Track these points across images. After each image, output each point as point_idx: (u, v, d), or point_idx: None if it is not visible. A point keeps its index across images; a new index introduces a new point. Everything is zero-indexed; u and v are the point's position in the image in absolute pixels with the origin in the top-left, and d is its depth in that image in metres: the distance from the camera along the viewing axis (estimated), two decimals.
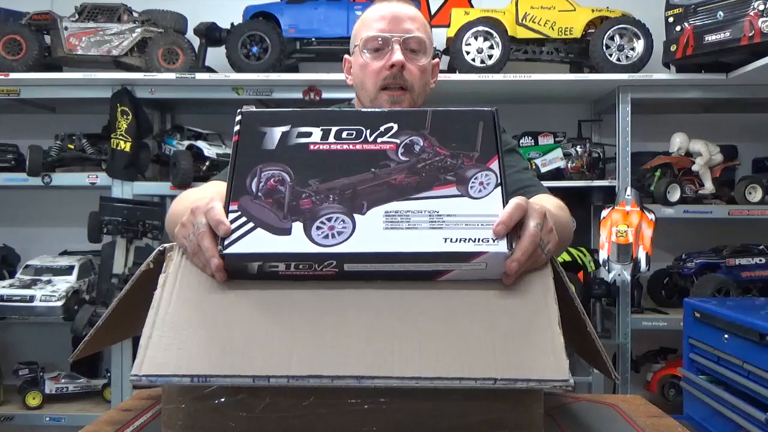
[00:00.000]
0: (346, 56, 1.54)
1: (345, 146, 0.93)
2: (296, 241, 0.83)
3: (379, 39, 1.41)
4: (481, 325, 0.81)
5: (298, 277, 0.85)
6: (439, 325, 0.81)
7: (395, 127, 0.94)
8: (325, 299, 0.84)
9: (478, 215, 0.86)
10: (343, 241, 0.83)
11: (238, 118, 0.95)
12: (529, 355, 0.78)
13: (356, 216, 0.85)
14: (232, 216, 0.86)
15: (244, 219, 0.85)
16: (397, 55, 1.38)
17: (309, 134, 0.94)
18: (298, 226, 0.84)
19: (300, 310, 0.83)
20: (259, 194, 0.88)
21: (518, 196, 0.88)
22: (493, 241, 0.83)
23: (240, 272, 0.85)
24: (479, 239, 0.83)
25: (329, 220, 0.85)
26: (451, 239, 0.83)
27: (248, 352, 0.78)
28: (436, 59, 1.53)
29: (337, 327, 0.81)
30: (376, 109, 1.04)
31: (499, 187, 0.89)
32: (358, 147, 0.93)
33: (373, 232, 0.84)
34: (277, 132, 0.94)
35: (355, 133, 0.94)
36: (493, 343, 0.79)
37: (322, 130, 0.94)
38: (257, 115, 0.96)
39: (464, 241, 0.83)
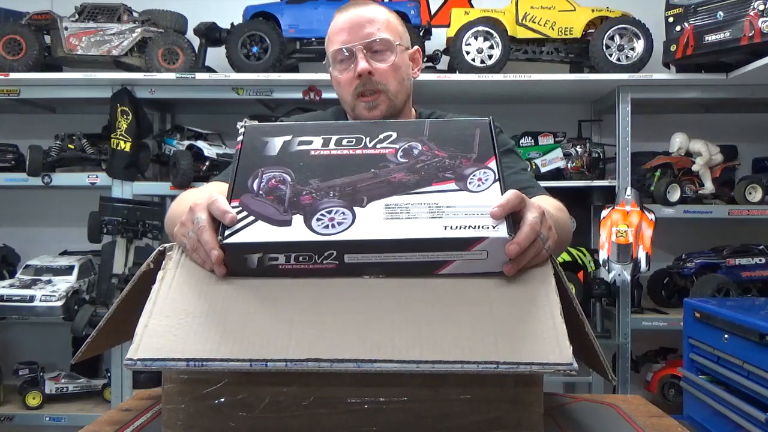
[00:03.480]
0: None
1: (345, 151, 0.95)
2: (296, 231, 0.84)
3: (343, 50, 1.40)
4: (482, 312, 0.81)
5: (298, 272, 0.85)
6: (440, 313, 0.81)
7: (394, 135, 0.97)
8: (323, 289, 0.84)
9: (477, 206, 0.86)
10: (343, 231, 0.84)
11: (241, 131, 0.98)
12: (532, 341, 0.77)
13: (356, 209, 0.86)
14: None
15: (245, 213, 0.86)
16: (362, 64, 1.38)
17: (310, 142, 0.97)
18: (298, 218, 0.85)
19: (298, 299, 0.83)
20: (260, 192, 0.89)
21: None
22: (493, 227, 0.83)
23: (240, 267, 0.85)
24: (479, 226, 0.83)
25: (329, 212, 0.86)
26: (451, 227, 0.84)
27: (246, 338, 0.78)
28: (415, 47, 1.51)
29: (335, 315, 0.81)
30: (376, 121, 1.06)
31: (498, 182, 0.90)
32: (358, 152, 0.95)
33: (373, 222, 0.85)
34: (279, 141, 0.97)
35: (355, 140, 0.97)
36: (495, 330, 0.79)
37: (322, 138, 0.97)
38: (259, 127, 1.00)
39: (464, 228, 0.83)
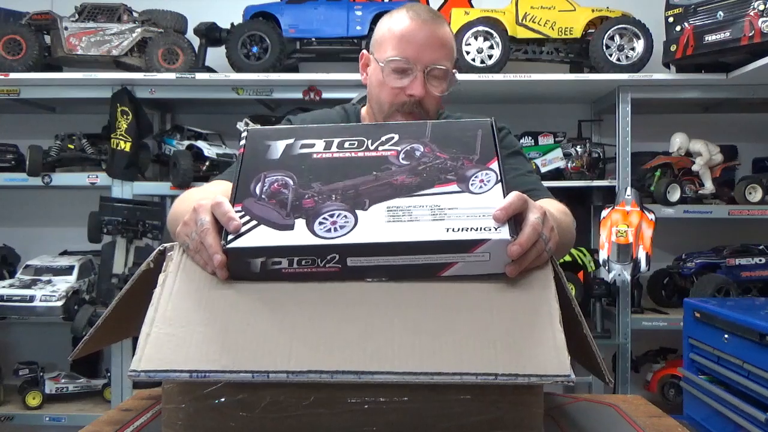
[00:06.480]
0: (364, 52, 1.49)
1: (347, 154, 0.95)
2: (299, 235, 0.84)
3: (403, 63, 1.35)
4: (481, 320, 0.81)
5: (301, 275, 0.85)
6: (440, 320, 0.81)
7: (396, 137, 0.97)
8: (324, 295, 0.84)
9: (479, 207, 0.86)
10: (345, 234, 0.84)
11: (244, 134, 0.99)
12: (531, 351, 0.77)
13: (358, 212, 0.86)
14: None
15: (247, 218, 0.86)
16: (418, 89, 1.34)
17: (312, 145, 0.97)
18: (300, 222, 0.85)
19: (299, 306, 0.83)
20: (263, 196, 0.89)
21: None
22: (495, 229, 0.83)
23: (242, 271, 0.85)
24: (481, 228, 0.83)
25: (331, 215, 0.86)
26: (453, 229, 0.84)
27: (247, 348, 0.78)
28: (455, 72, 1.46)
29: (336, 323, 0.81)
30: (377, 123, 1.06)
31: (500, 184, 0.90)
32: (360, 154, 0.95)
33: (375, 225, 0.85)
34: (281, 144, 0.97)
35: (357, 143, 0.97)
36: (494, 339, 0.79)
37: (324, 141, 0.97)
38: (262, 131, 1.01)
39: (466, 230, 0.83)
